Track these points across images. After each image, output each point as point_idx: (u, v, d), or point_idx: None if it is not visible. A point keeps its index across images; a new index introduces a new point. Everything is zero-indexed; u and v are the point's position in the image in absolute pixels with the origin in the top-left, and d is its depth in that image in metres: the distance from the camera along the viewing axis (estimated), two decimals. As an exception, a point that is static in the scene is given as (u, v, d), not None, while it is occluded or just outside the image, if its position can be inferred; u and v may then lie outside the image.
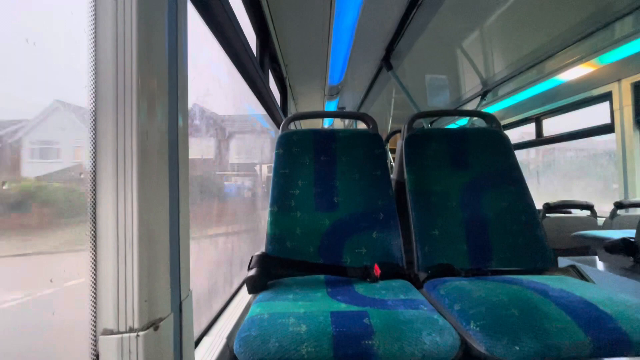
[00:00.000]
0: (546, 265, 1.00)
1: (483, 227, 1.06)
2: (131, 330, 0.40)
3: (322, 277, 0.97)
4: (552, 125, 2.92)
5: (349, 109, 3.84)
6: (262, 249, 1.01)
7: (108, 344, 0.39)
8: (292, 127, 1.31)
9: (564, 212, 2.28)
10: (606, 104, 2.39)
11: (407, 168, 1.14)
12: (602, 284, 0.82)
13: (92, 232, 0.41)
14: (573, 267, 0.95)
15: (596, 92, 2.41)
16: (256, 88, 1.52)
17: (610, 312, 0.64)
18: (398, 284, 0.89)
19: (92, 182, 0.41)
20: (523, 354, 0.58)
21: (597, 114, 2.52)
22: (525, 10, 1.65)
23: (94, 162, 0.41)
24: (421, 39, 2.02)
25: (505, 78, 2.44)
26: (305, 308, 0.70)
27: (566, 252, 1.93)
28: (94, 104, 0.41)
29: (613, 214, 2.03)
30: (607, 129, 2.40)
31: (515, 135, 3.32)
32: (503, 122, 3.23)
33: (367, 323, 0.63)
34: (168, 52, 0.48)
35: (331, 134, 1.19)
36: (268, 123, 1.99)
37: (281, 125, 1.23)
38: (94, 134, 0.41)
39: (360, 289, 0.86)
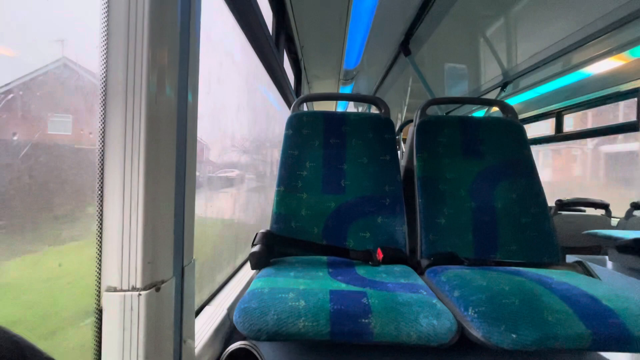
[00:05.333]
0: (553, 260, 0.99)
1: (491, 217, 1.04)
2: (134, 289, 0.42)
3: (324, 258, 0.98)
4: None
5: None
6: (267, 227, 1.03)
7: (111, 300, 0.41)
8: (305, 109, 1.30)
9: (577, 211, 2.23)
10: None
11: (417, 154, 1.13)
12: (609, 282, 0.80)
13: (100, 192, 0.42)
14: (580, 263, 0.94)
15: (624, 87, 2.30)
16: (270, 67, 1.51)
17: (614, 307, 0.63)
18: (400, 268, 0.89)
19: (100, 142, 0.42)
20: (520, 342, 0.58)
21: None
22: (554, -3, 1.56)
23: (103, 123, 0.42)
24: (442, 25, 1.95)
25: (528, 69, 2.35)
26: (305, 285, 0.71)
27: (576, 250, 1.90)
28: (105, 65, 0.42)
29: (629, 215, 1.97)
30: (632, 127, 2.30)
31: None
32: (523, 116, 3.12)
33: (365, 302, 0.64)
34: (180, 25, 0.47)
35: (342, 116, 1.18)
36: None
37: (292, 106, 1.22)
38: (104, 95, 0.42)
39: (361, 271, 0.86)
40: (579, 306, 0.63)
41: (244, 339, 0.68)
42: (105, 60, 0.42)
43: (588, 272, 0.90)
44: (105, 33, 0.42)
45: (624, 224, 1.97)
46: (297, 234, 1.02)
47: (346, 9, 1.81)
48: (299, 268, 0.86)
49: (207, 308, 0.79)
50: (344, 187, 1.08)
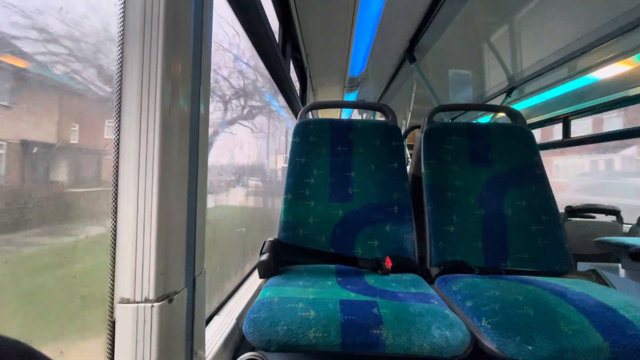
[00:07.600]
0: (565, 269, 0.97)
1: (501, 225, 1.03)
2: (147, 300, 0.41)
3: (332, 266, 0.98)
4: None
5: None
6: (275, 235, 1.03)
7: (124, 312, 0.41)
8: (310, 117, 1.30)
9: (587, 217, 2.19)
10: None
11: (424, 162, 1.12)
12: (623, 291, 0.79)
13: (114, 204, 0.42)
14: (594, 271, 0.92)
15: (632, 92, 2.27)
16: (277, 76, 1.52)
17: (631, 318, 0.61)
18: (409, 277, 0.88)
19: (115, 155, 0.42)
20: (535, 354, 0.56)
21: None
22: (559, 3, 1.56)
23: (118, 133, 0.42)
24: (447, 32, 1.96)
25: (534, 75, 2.34)
26: (314, 294, 0.71)
27: (587, 257, 1.86)
28: (119, 76, 0.42)
29: None
30: None
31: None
32: (529, 122, 3.10)
33: (376, 313, 0.63)
34: (193, 37, 0.48)
35: (349, 123, 1.18)
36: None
37: (299, 114, 1.23)
38: (118, 106, 0.42)
39: (370, 280, 0.85)
40: (596, 317, 0.62)
41: (252, 349, 0.67)
42: (120, 72, 0.42)
43: (602, 281, 0.88)
44: (121, 45, 0.42)
45: (636, 230, 1.93)
46: (304, 242, 1.01)
47: (351, 18, 1.82)
48: (307, 277, 0.85)
49: (216, 318, 0.79)
50: (352, 195, 1.08)
